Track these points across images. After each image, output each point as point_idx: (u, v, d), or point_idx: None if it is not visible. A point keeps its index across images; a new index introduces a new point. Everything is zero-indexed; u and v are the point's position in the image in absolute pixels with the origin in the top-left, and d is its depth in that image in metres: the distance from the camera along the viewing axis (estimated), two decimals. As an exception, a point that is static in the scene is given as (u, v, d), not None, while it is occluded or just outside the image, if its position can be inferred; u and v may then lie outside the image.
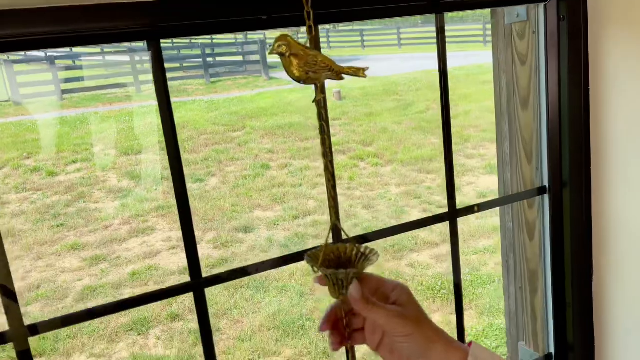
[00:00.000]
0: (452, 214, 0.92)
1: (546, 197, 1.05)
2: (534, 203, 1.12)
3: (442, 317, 3.65)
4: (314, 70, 0.49)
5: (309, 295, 4.13)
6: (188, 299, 4.27)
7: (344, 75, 0.52)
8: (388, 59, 16.95)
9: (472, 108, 9.22)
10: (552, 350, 1.10)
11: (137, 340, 3.80)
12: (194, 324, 3.91)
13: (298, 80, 0.49)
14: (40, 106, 11.44)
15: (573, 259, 1.00)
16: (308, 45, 0.51)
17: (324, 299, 3.81)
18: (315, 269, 0.53)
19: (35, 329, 0.71)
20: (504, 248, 1.28)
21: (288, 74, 0.49)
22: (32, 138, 8.83)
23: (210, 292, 4.31)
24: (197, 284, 0.78)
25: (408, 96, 10.85)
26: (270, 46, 0.51)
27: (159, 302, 4.27)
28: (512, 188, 1.19)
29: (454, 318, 3.67)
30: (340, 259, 0.58)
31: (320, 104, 0.52)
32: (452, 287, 3.70)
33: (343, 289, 0.54)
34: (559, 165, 1.02)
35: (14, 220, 6.11)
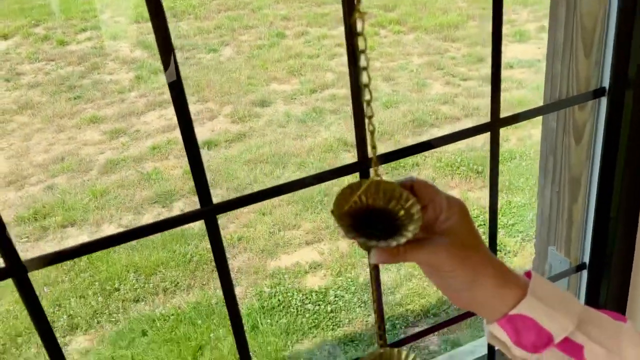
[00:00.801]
0: (494, 123, 0.82)
1: (603, 99, 0.93)
2: (586, 104, 1.00)
3: (460, 193, 3.67)
4: None
5: (327, 171, 4.15)
6: (208, 173, 4.34)
7: None
8: None
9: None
10: (586, 260, 1.06)
11: (161, 212, 3.92)
12: (215, 197, 3.99)
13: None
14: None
15: (625, 171, 0.91)
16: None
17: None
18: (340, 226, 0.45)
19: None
20: (543, 149, 1.19)
21: None
22: (38, 4, 8.43)
23: (230, 168, 4.35)
24: (208, 211, 0.72)
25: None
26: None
27: (180, 176, 4.35)
28: (561, 86, 1.06)
29: (472, 195, 3.64)
30: (373, 204, 0.49)
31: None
32: (471, 165, 3.62)
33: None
34: (626, 63, 0.88)
35: (30, 91, 6.06)
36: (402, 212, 0.48)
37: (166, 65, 0.62)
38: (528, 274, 0.51)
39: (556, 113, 1.08)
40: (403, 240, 0.45)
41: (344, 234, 0.44)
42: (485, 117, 4.53)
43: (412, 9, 7.44)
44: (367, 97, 0.46)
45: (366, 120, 0.47)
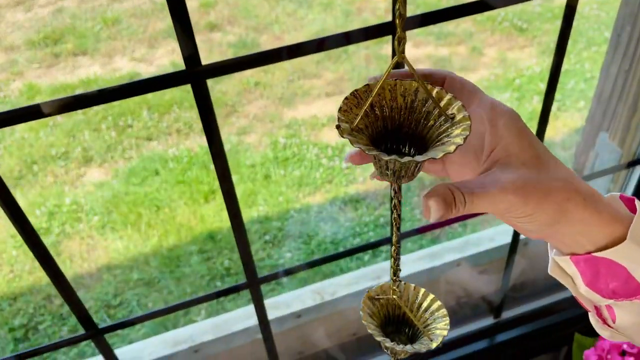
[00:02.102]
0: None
1: None
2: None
3: (497, 53, 3.38)
4: None
5: (355, 16, 3.82)
6: (226, 7, 4.04)
7: None
8: None
9: None
10: (644, 155, 0.91)
11: (175, 48, 3.72)
12: (232, 36, 3.76)
13: None
14: None
15: None
16: None
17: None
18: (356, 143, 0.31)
19: None
20: (620, 15, 0.97)
21: None
22: None
23: (249, 3, 4.02)
24: (196, 74, 0.57)
25: None
26: None
27: (196, 8, 4.04)
28: None
29: (511, 55, 3.37)
30: (400, 114, 0.35)
31: None
32: (515, 20, 3.29)
33: (403, 177, 0.33)
34: None
35: None
36: (438, 119, 0.34)
37: None
38: (628, 202, 0.38)
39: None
40: (452, 148, 0.31)
41: (363, 152, 0.30)
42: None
43: None
44: None
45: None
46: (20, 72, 3.56)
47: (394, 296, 0.43)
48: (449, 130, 0.33)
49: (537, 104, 2.95)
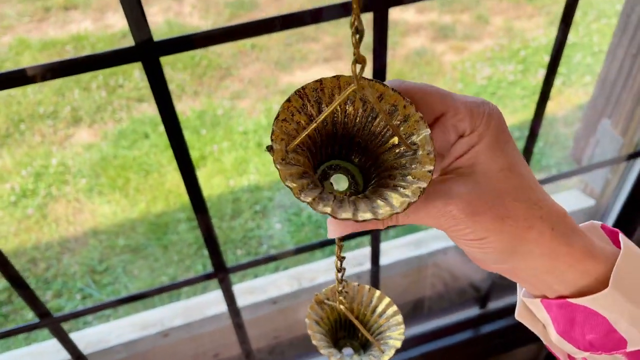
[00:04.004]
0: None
1: None
2: None
3: (503, 21, 3.25)
4: None
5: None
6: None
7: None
8: None
9: None
10: (648, 149, 0.85)
11: (170, 5, 3.59)
12: (231, -6, 3.61)
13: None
14: None
15: None
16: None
17: None
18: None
19: None
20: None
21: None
22: None
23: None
24: (148, 50, 0.51)
25: None
26: None
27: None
28: None
29: (517, 24, 3.26)
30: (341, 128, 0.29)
31: None
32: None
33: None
34: None
35: None
36: (397, 147, 0.28)
37: None
38: (612, 236, 0.32)
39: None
40: (404, 204, 0.25)
41: (293, 191, 0.25)
42: None
43: None
44: None
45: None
46: (11, 26, 3.44)
47: (341, 306, 0.38)
48: (407, 166, 0.27)
49: (541, 77, 2.85)
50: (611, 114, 0.98)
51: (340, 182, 0.29)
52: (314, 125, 0.27)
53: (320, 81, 0.28)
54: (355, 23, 0.22)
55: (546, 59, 2.94)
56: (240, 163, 2.47)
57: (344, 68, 2.97)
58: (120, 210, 2.31)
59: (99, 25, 3.36)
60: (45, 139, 2.68)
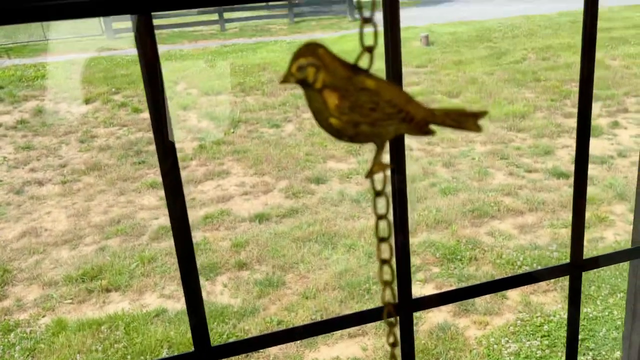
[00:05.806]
0: (575, 266, 0.67)
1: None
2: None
3: (521, 296, 3.37)
4: (372, 120, 0.25)
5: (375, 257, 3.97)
6: (256, 247, 4.25)
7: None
8: (483, 1, 15.67)
9: (575, 60, 8.32)
10: None
11: (204, 285, 3.84)
12: (259, 274, 3.89)
13: (338, 135, 0.26)
14: (130, 41, 11.72)
15: None
16: (359, 62, 0.27)
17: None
18: None
19: None
20: (632, 289, 1.00)
21: (318, 122, 0.26)
22: (121, 73, 9.08)
23: (278, 244, 4.25)
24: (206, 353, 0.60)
25: (503, 44, 9.99)
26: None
27: (228, 248, 4.29)
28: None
29: (534, 298, 3.32)
30: None
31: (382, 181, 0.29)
32: (534, 264, 3.33)
33: None
34: None
35: (100, 154, 6.36)
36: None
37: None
38: None
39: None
40: None
41: None
42: (551, 214, 4.23)
43: (477, 96, 7.39)
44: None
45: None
46: (52, 307, 3.65)
47: None
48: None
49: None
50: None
51: None
52: None
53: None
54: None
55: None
56: None
57: (369, 344, 2.99)
58: None
59: (136, 305, 3.56)
60: None
